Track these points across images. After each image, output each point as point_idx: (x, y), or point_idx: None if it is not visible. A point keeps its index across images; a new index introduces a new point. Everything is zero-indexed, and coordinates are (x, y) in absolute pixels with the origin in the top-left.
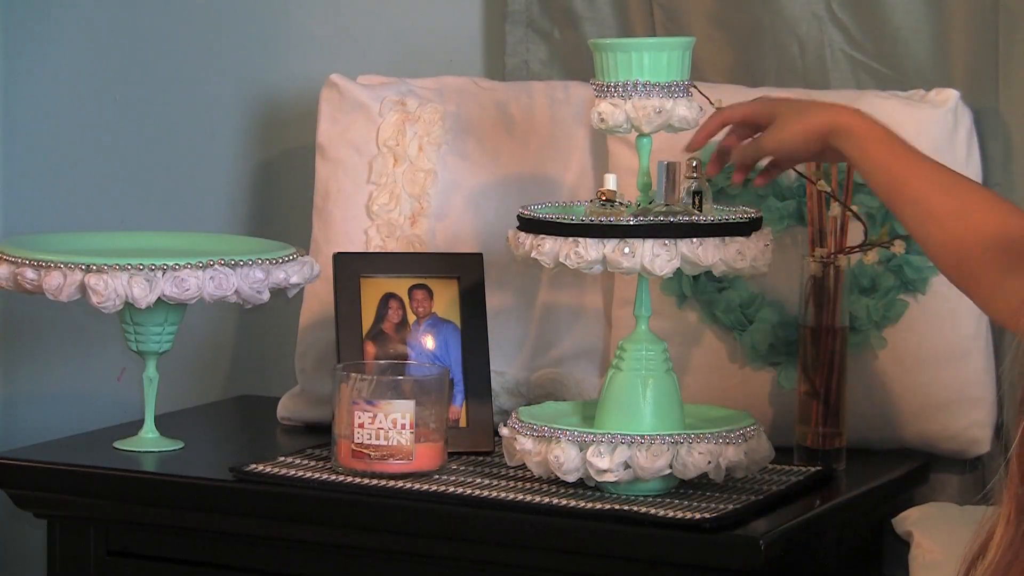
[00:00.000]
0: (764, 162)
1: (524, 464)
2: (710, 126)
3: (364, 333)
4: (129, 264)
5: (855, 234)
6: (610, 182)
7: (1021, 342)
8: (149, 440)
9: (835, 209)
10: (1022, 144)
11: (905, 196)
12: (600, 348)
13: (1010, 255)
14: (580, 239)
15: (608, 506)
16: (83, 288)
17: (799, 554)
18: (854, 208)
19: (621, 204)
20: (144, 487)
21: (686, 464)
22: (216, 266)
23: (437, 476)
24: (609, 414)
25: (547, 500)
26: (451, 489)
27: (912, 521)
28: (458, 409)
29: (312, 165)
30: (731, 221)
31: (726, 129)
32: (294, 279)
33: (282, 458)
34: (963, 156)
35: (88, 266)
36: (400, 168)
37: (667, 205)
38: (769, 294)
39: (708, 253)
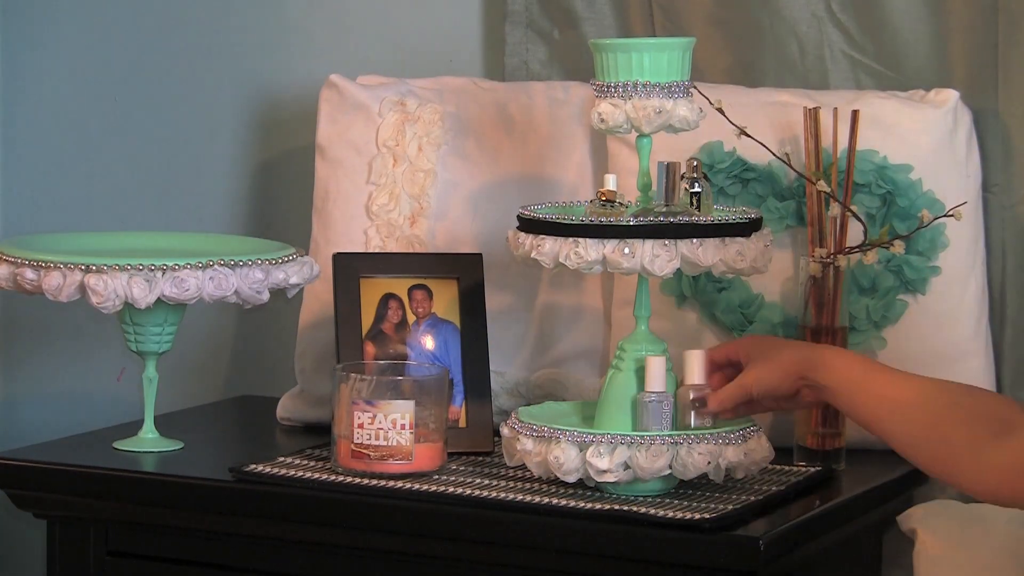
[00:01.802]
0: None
1: (524, 464)
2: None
3: (364, 333)
4: (129, 264)
5: (855, 234)
6: (610, 182)
7: None
8: (149, 440)
9: (835, 209)
10: (1022, 144)
11: (897, 404)
12: (600, 348)
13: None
14: (580, 239)
15: (608, 506)
16: (83, 288)
17: (799, 554)
18: (854, 208)
19: (621, 204)
20: (144, 487)
21: (686, 464)
22: (216, 266)
23: (437, 476)
24: (609, 414)
25: (547, 500)
26: (451, 489)
27: (916, 518)
28: (458, 409)
29: (312, 165)
30: (731, 221)
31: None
32: (294, 279)
33: (282, 458)
34: (963, 156)
35: (88, 266)
36: (400, 168)
37: (667, 205)
38: (769, 294)
39: (708, 254)
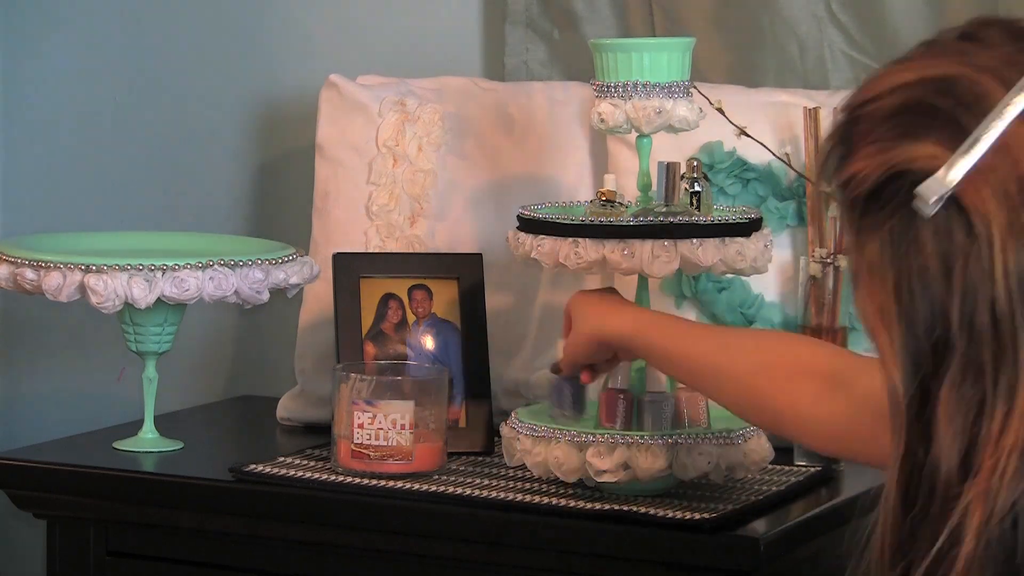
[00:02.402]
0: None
1: (524, 464)
2: None
3: (364, 333)
4: (129, 264)
5: None
6: (610, 182)
7: None
8: (149, 440)
9: (835, 209)
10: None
11: (706, 371)
12: None
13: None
14: (580, 239)
15: (608, 506)
16: (83, 288)
17: (799, 554)
18: None
19: (621, 204)
20: (144, 487)
21: (686, 464)
22: (216, 266)
23: (437, 476)
24: None
25: (547, 500)
26: (451, 489)
27: None
28: (458, 409)
29: (312, 165)
30: (731, 221)
31: None
32: (294, 279)
33: (281, 458)
34: None
35: (88, 266)
36: (400, 168)
37: (667, 205)
38: (769, 294)
39: (708, 254)
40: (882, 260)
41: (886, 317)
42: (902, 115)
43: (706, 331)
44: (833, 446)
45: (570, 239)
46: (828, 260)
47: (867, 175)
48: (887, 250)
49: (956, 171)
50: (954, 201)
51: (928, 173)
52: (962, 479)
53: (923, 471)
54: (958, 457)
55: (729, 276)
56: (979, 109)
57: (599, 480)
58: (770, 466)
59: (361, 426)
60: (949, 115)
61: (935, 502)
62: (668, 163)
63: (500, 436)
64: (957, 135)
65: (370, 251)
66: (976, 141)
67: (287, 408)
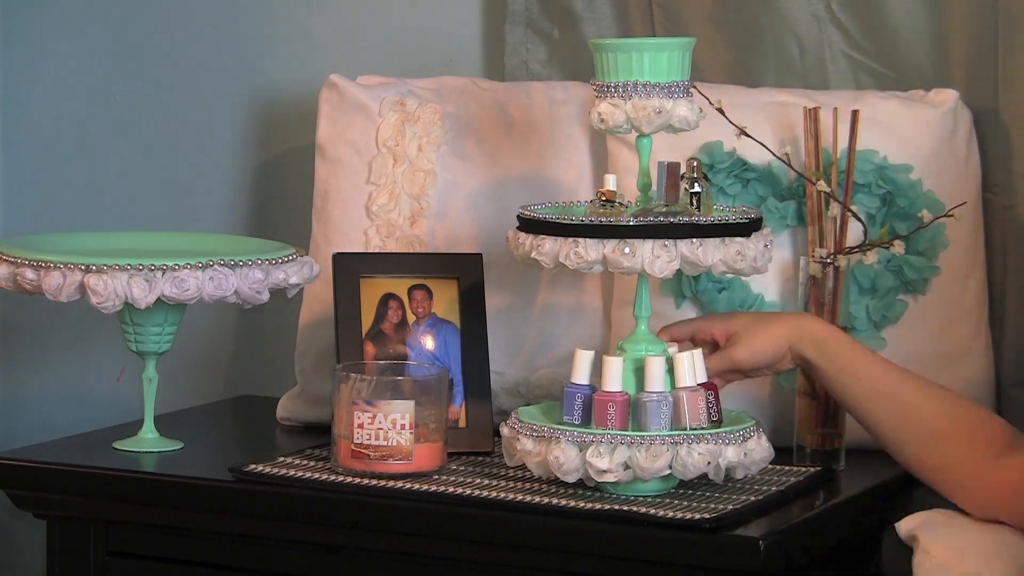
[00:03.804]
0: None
1: (524, 464)
2: (681, 333)
3: (364, 333)
4: (129, 264)
5: (855, 234)
6: (610, 182)
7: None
8: (149, 440)
9: (835, 209)
10: (1022, 144)
11: (887, 395)
12: (600, 348)
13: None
14: (580, 239)
15: (608, 506)
16: (83, 288)
17: (799, 554)
18: (854, 208)
19: (621, 204)
20: (144, 487)
21: (686, 464)
22: (215, 266)
23: (437, 476)
24: None
25: (547, 500)
26: (451, 489)
27: (915, 526)
28: (458, 409)
29: (312, 165)
30: (731, 221)
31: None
32: (293, 279)
33: (282, 458)
34: (963, 156)
35: (88, 266)
36: (400, 168)
37: (667, 205)
38: (769, 294)
39: (708, 254)
40: None
41: None
42: None
43: (890, 364)
44: (992, 512)
45: (570, 239)
46: (828, 260)
47: None
48: None
49: None
50: None
51: None
52: None
53: None
54: None
55: (729, 276)
56: None
57: (599, 480)
58: (770, 466)
59: (361, 426)
60: None
61: None
62: (668, 163)
63: (500, 436)
64: None
65: (370, 251)
66: None
67: (287, 408)
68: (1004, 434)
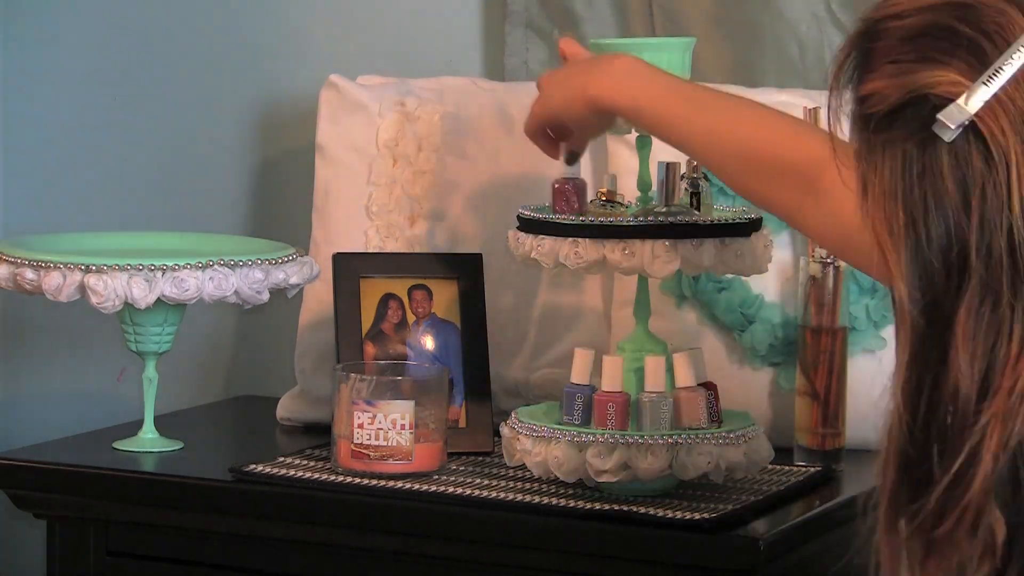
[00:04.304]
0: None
1: (524, 464)
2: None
3: (364, 333)
4: (129, 264)
5: None
6: (610, 182)
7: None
8: (149, 440)
9: None
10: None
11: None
12: (600, 348)
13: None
14: (580, 239)
15: (608, 506)
16: (83, 288)
17: (799, 554)
18: None
19: (621, 204)
20: (144, 487)
21: (686, 465)
22: (215, 266)
23: (437, 476)
24: None
25: (547, 500)
26: (451, 489)
27: None
28: (458, 409)
29: (312, 165)
30: (731, 222)
31: None
32: (293, 279)
33: (281, 458)
34: None
35: (88, 266)
36: (400, 168)
37: (667, 205)
38: (769, 294)
39: (708, 254)
40: (894, 178)
41: (895, 231)
42: (924, 37)
43: (706, 98)
44: (835, 253)
45: (570, 239)
46: (828, 260)
47: (887, 95)
48: (901, 169)
49: (976, 99)
50: (972, 128)
51: (949, 99)
52: (980, 400)
53: (937, 390)
54: (977, 378)
55: (729, 276)
56: (1001, 39)
57: (599, 480)
58: (770, 466)
59: (361, 426)
60: (972, 42)
61: (953, 421)
62: (668, 163)
63: (500, 436)
64: (979, 63)
65: (370, 251)
66: (998, 71)
67: (287, 408)
68: (806, 167)
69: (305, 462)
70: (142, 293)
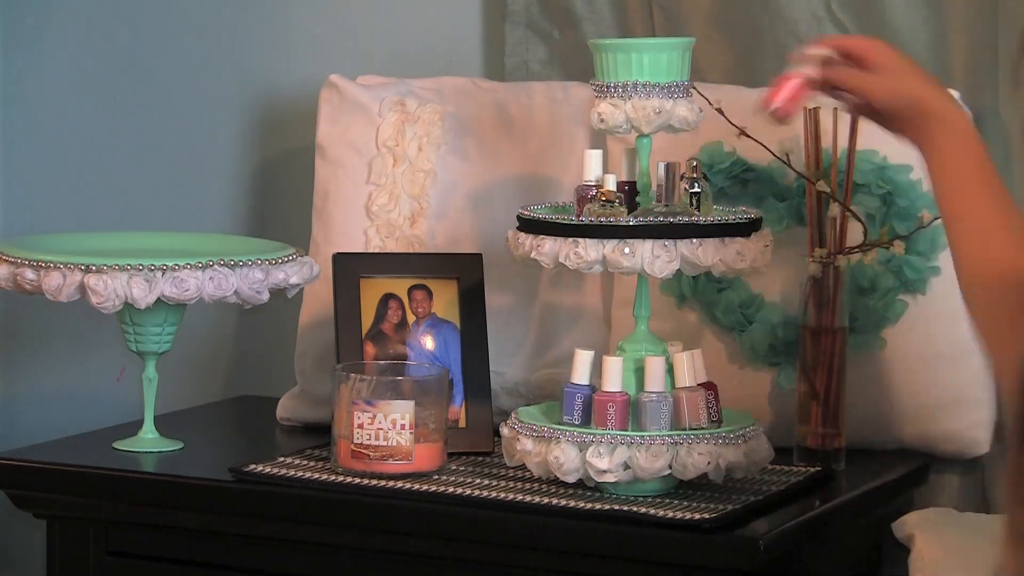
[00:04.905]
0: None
1: (524, 464)
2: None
3: (364, 333)
4: (129, 264)
5: (855, 234)
6: (610, 182)
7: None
8: (149, 440)
9: (834, 209)
10: (1022, 144)
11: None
12: (600, 348)
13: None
14: (580, 239)
15: (608, 506)
16: (83, 288)
17: (799, 554)
18: (854, 208)
19: (621, 204)
20: (144, 487)
21: (686, 465)
22: (215, 266)
23: (437, 476)
24: None
25: (547, 500)
26: (451, 489)
27: (912, 525)
28: (458, 409)
29: (312, 165)
30: (731, 222)
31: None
32: (293, 279)
33: (281, 458)
34: None
35: (88, 266)
36: (400, 168)
37: (667, 205)
38: (769, 294)
39: (708, 254)
40: None
41: None
42: None
43: (988, 187)
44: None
45: (570, 239)
46: (828, 260)
47: None
48: None
49: None
50: None
51: None
52: None
53: None
54: None
55: (729, 276)
56: None
57: (599, 480)
58: (770, 466)
59: (361, 426)
60: None
61: None
62: (668, 163)
63: (500, 436)
64: None
65: (370, 251)
66: None
67: (287, 408)
68: None
69: (305, 462)
70: (142, 293)
